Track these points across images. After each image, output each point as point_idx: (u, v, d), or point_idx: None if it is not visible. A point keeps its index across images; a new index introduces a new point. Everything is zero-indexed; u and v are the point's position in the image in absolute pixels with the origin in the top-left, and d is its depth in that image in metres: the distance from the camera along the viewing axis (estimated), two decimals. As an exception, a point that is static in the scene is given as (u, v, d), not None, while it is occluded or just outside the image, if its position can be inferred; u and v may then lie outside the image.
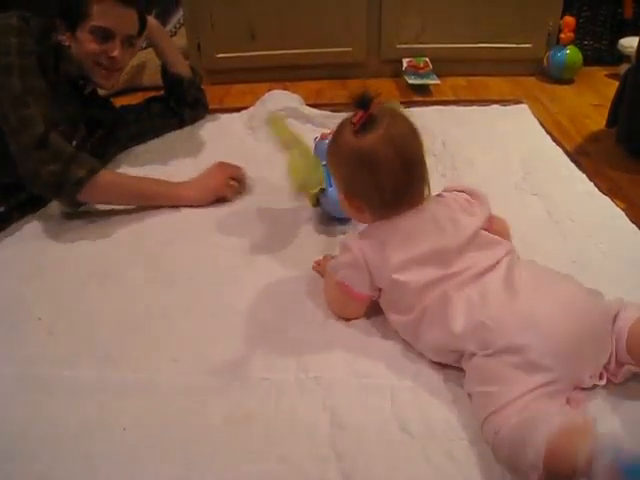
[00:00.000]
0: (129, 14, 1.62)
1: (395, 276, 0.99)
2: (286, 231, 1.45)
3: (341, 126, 1.04)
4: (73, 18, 1.58)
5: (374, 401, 0.96)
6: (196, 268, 1.33)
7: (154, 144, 1.96)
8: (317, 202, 1.42)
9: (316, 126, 1.91)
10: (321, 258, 1.30)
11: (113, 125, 1.86)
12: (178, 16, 2.73)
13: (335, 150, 1.06)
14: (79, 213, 1.55)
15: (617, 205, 1.48)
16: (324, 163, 1.37)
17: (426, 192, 1.04)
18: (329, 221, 1.46)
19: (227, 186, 1.59)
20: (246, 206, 1.57)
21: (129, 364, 1.06)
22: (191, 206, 1.56)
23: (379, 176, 0.99)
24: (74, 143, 1.56)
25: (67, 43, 1.61)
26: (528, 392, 0.82)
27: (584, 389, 0.91)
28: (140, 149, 1.93)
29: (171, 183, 1.59)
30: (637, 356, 0.89)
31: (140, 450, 0.89)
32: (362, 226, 1.12)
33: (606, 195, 1.53)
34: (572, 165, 1.71)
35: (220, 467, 0.86)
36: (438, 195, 1.09)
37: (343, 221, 1.44)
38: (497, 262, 0.98)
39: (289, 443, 0.90)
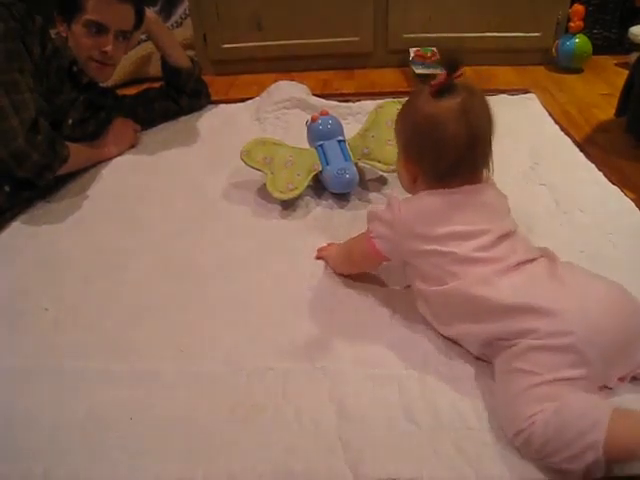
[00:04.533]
0: (124, 9, 1.63)
1: (438, 247, 0.97)
2: (289, 219, 1.46)
3: (418, 91, 1.03)
4: (69, 11, 1.59)
5: (381, 391, 0.96)
6: (202, 258, 1.33)
7: (159, 132, 1.96)
8: (313, 181, 1.52)
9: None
10: (325, 245, 1.30)
11: (114, 109, 1.88)
12: (184, 7, 2.72)
13: (406, 112, 1.05)
14: (85, 204, 1.55)
15: (626, 195, 1.47)
16: (319, 144, 1.49)
17: (485, 174, 1.03)
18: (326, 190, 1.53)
19: (135, 135, 1.88)
20: (249, 195, 1.57)
21: (136, 354, 1.07)
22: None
23: (444, 144, 0.97)
24: (69, 122, 1.66)
25: (64, 35, 1.61)
26: (563, 380, 0.82)
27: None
28: (144, 138, 1.93)
29: (96, 146, 1.77)
30: None
31: (147, 440, 0.90)
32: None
33: (615, 185, 1.52)
34: (581, 155, 1.69)
35: (227, 457, 0.86)
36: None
37: (341, 196, 1.51)
38: (537, 257, 0.97)
39: (296, 433, 0.89)
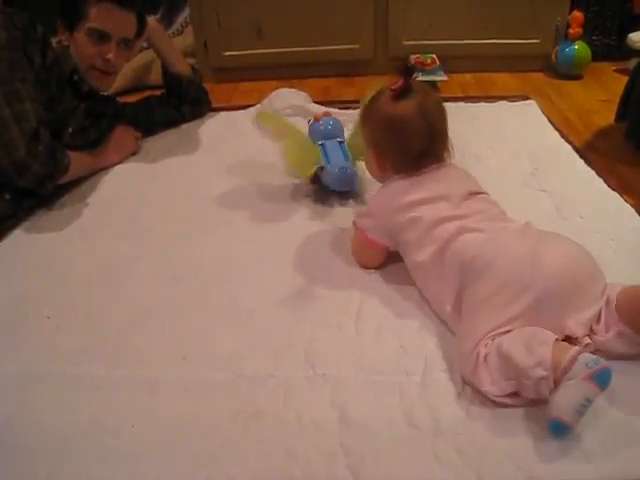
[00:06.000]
0: (127, 17, 1.64)
1: (411, 214, 1.12)
2: (290, 222, 1.48)
3: (379, 93, 1.20)
4: (71, 19, 1.59)
5: (382, 398, 0.96)
6: (203, 265, 1.33)
7: (160, 139, 1.97)
8: (315, 180, 1.55)
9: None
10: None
11: (115, 117, 1.88)
12: (185, 14, 2.74)
13: (371, 111, 1.20)
14: (86, 211, 1.56)
15: (626, 201, 1.47)
16: (320, 143, 1.55)
17: (446, 157, 1.19)
18: (327, 197, 1.57)
19: (135, 143, 1.88)
20: (250, 200, 1.58)
21: (137, 361, 1.07)
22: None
23: (408, 139, 1.14)
24: (70, 130, 1.66)
25: (66, 43, 1.62)
26: (515, 318, 0.92)
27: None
28: (145, 145, 1.94)
29: (97, 154, 1.76)
30: (625, 313, 0.94)
31: (149, 447, 0.90)
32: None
33: (615, 191, 1.52)
34: (581, 161, 1.70)
35: (228, 463, 0.86)
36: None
37: (342, 194, 1.56)
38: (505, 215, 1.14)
39: (297, 439, 0.89)
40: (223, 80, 2.52)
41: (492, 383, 0.90)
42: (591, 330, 0.96)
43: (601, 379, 0.81)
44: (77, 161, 1.60)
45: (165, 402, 0.98)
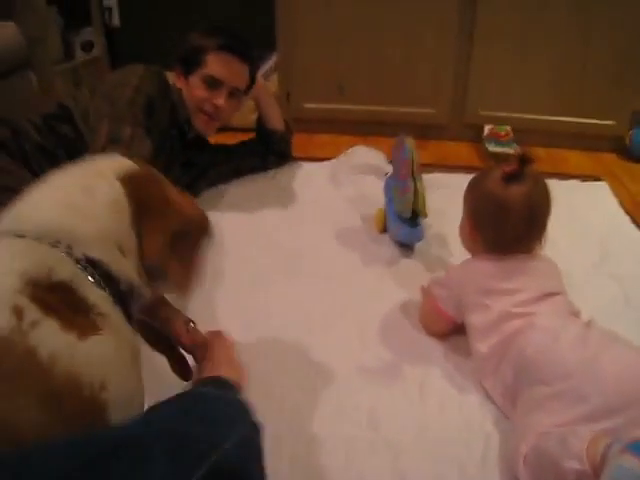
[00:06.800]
0: (241, 69, 1.75)
1: (483, 300, 1.14)
2: (360, 277, 1.52)
3: (489, 170, 1.22)
4: (190, 64, 1.71)
5: (442, 469, 0.98)
6: (274, 312, 1.38)
7: (239, 185, 2.05)
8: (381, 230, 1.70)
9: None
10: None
11: (207, 166, 1.97)
12: (271, 62, 2.87)
13: (477, 188, 1.23)
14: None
15: (697, 296, 1.46)
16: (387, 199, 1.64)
17: (537, 247, 1.20)
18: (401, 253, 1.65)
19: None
20: (325, 250, 1.64)
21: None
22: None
23: (507, 224, 1.15)
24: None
25: (179, 86, 1.73)
26: (566, 424, 0.92)
27: None
28: (226, 189, 2.01)
29: None
30: None
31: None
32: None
33: (686, 284, 1.51)
34: (651, 249, 1.70)
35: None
36: None
37: (406, 246, 1.65)
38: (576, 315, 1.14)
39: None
40: (300, 130, 2.60)
41: None
42: None
43: (637, 447, 0.79)
44: None
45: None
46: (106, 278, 0.70)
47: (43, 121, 1.52)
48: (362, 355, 1.26)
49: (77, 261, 0.68)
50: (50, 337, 0.62)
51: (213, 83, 1.70)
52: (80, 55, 3.00)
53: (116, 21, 3.16)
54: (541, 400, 0.97)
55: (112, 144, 1.43)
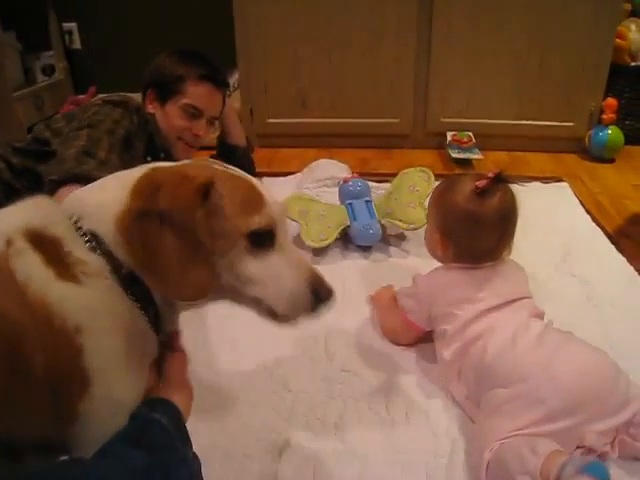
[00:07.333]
0: (219, 97, 1.77)
1: (452, 310, 1.15)
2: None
3: (457, 181, 1.22)
4: (167, 92, 1.71)
5: (409, 478, 0.99)
6: (235, 328, 1.37)
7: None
8: (341, 235, 1.72)
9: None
10: (378, 290, 1.46)
11: None
12: (233, 79, 2.88)
13: (448, 202, 1.21)
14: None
15: (658, 291, 1.49)
16: (349, 202, 1.74)
17: (505, 253, 1.21)
18: (349, 250, 1.73)
19: None
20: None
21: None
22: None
23: (481, 236, 1.17)
24: None
25: (152, 111, 1.72)
26: (525, 427, 0.94)
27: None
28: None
29: None
30: None
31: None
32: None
33: (647, 280, 1.54)
34: (612, 247, 1.73)
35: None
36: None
37: (365, 248, 1.73)
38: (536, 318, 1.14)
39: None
40: (265, 145, 2.62)
41: None
42: (629, 434, 0.97)
43: (592, 469, 0.81)
44: None
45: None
46: (107, 255, 0.72)
47: (18, 158, 1.52)
48: (327, 366, 1.26)
49: (78, 229, 0.73)
50: (29, 265, 0.68)
51: (193, 113, 1.71)
52: (41, 79, 2.98)
53: (77, 44, 3.15)
54: (500, 403, 0.99)
55: (85, 156, 1.42)
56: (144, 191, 0.72)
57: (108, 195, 0.74)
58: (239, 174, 0.85)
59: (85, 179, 1.37)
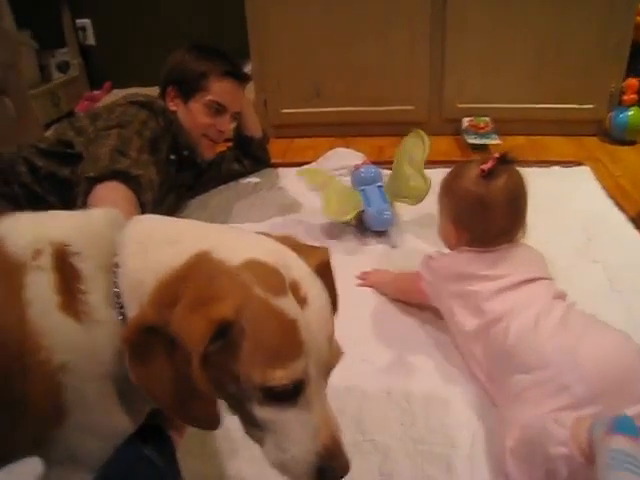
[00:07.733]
0: (241, 93, 1.79)
1: (468, 287, 1.15)
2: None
3: (463, 168, 1.23)
4: (189, 89, 1.70)
5: (429, 469, 0.98)
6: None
7: (223, 199, 2.04)
8: (355, 220, 1.74)
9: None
10: (370, 270, 1.50)
11: (192, 182, 1.97)
12: (246, 70, 2.87)
13: (457, 186, 1.22)
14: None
15: (682, 276, 1.46)
16: (361, 188, 1.75)
17: (520, 235, 1.21)
18: (366, 236, 1.73)
19: None
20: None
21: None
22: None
23: (494, 219, 1.17)
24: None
25: (173, 109, 1.72)
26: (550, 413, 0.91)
27: None
28: (209, 202, 2.02)
29: None
30: None
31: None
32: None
33: (671, 265, 1.51)
34: (635, 232, 1.69)
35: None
36: None
37: (380, 233, 1.73)
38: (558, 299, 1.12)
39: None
40: (280, 136, 2.60)
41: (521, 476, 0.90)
42: None
43: (621, 426, 0.79)
44: None
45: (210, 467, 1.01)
46: (123, 316, 0.68)
47: (43, 161, 1.51)
48: (345, 357, 1.24)
49: (105, 268, 0.69)
50: (40, 286, 0.66)
51: (218, 110, 1.71)
52: (57, 76, 3.00)
53: (91, 40, 3.16)
54: (522, 390, 0.97)
55: (119, 155, 1.43)
56: (163, 299, 0.63)
57: (155, 259, 0.68)
58: (285, 306, 0.65)
59: (123, 175, 1.39)
